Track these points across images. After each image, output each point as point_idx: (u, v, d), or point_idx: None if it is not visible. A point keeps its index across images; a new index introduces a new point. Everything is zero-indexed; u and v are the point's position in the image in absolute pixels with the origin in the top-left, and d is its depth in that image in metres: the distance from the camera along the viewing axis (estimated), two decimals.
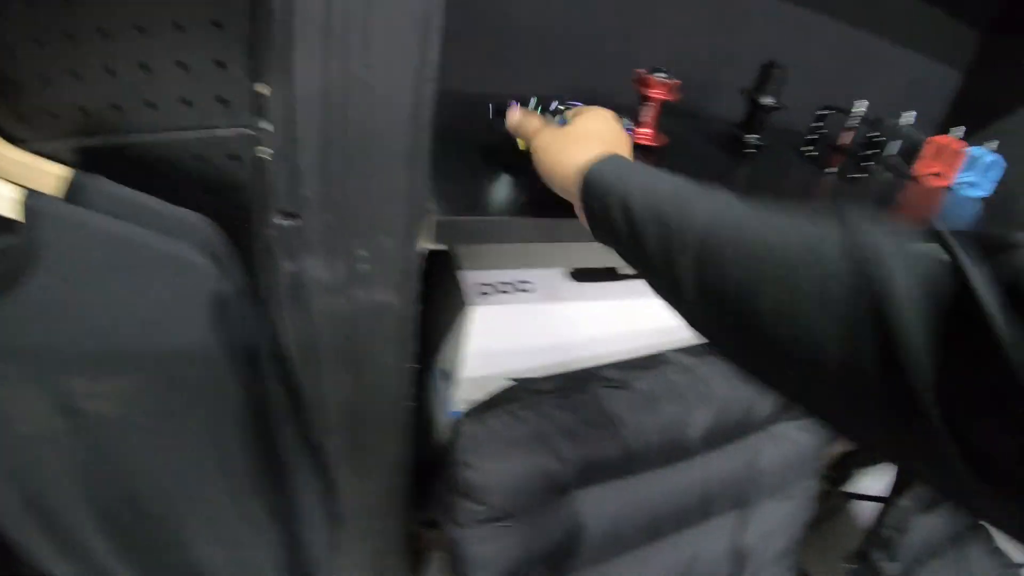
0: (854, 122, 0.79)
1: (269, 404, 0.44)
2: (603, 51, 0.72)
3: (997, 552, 1.32)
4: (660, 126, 0.63)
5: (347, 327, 0.43)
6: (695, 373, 0.53)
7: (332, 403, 0.50)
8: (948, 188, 1.04)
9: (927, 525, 1.01)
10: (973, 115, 1.14)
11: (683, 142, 0.68)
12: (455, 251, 0.57)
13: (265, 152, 0.32)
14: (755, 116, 0.69)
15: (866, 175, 0.81)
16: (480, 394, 0.56)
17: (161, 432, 0.38)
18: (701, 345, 0.57)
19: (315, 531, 0.58)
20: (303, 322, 0.42)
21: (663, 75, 0.59)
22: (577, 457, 0.46)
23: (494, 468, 0.43)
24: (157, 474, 0.40)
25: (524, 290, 0.53)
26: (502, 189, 0.48)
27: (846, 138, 0.79)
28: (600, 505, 0.54)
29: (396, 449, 0.58)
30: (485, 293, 0.53)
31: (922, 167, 1.02)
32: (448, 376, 0.62)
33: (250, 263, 0.36)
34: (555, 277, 0.56)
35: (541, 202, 0.44)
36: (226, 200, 0.38)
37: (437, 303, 0.57)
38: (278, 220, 0.34)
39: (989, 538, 1.33)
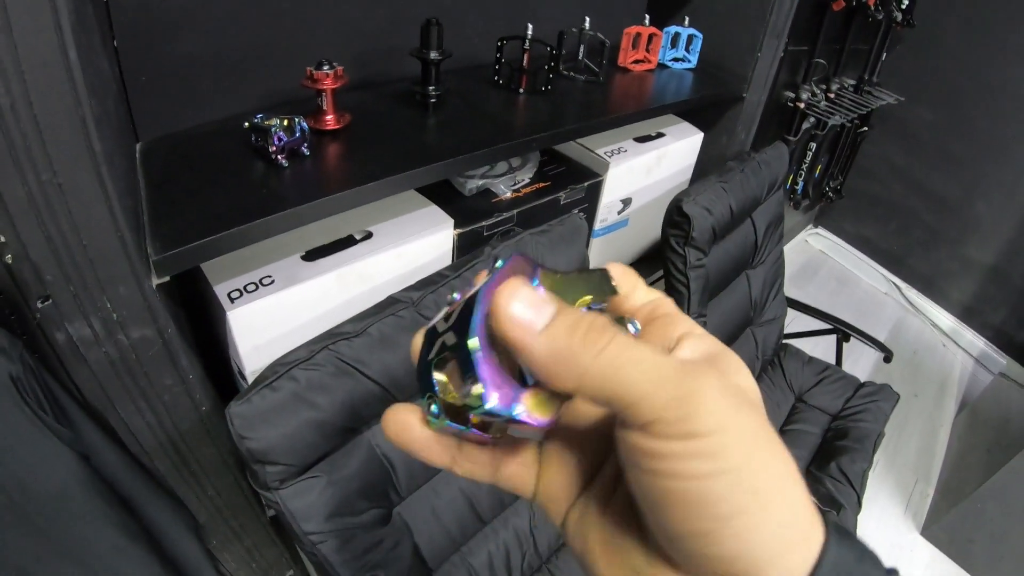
0: (527, 44, 1.08)
1: (91, 447, 0.64)
2: (282, 57, 0.93)
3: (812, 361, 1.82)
4: (343, 107, 0.87)
5: (123, 366, 0.64)
6: (422, 303, 0.80)
7: (140, 432, 0.71)
8: (658, 68, 1.41)
9: None
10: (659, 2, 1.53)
11: (370, 112, 0.93)
12: (204, 269, 0.79)
13: (8, 258, 0.52)
14: (427, 70, 0.95)
15: (549, 86, 1.12)
16: None
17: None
18: (425, 279, 0.85)
19: (183, 544, 0.80)
20: (87, 375, 0.63)
21: (326, 67, 0.82)
22: (333, 403, 0.71)
23: (268, 433, 0.66)
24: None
25: (266, 284, 0.76)
26: (219, 206, 0.70)
27: (526, 60, 1.08)
28: None
29: (214, 451, 0.81)
30: (236, 297, 0.75)
31: (626, 57, 1.37)
32: (243, 374, 0.85)
33: (31, 344, 0.56)
34: (291, 264, 0.80)
35: (257, 204, 0.67)
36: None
37: (217, 316, 0.79)
38: (39, 304, 0.54)
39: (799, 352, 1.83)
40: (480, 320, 0.24)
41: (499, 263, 0.25)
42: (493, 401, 0.23)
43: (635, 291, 0.29)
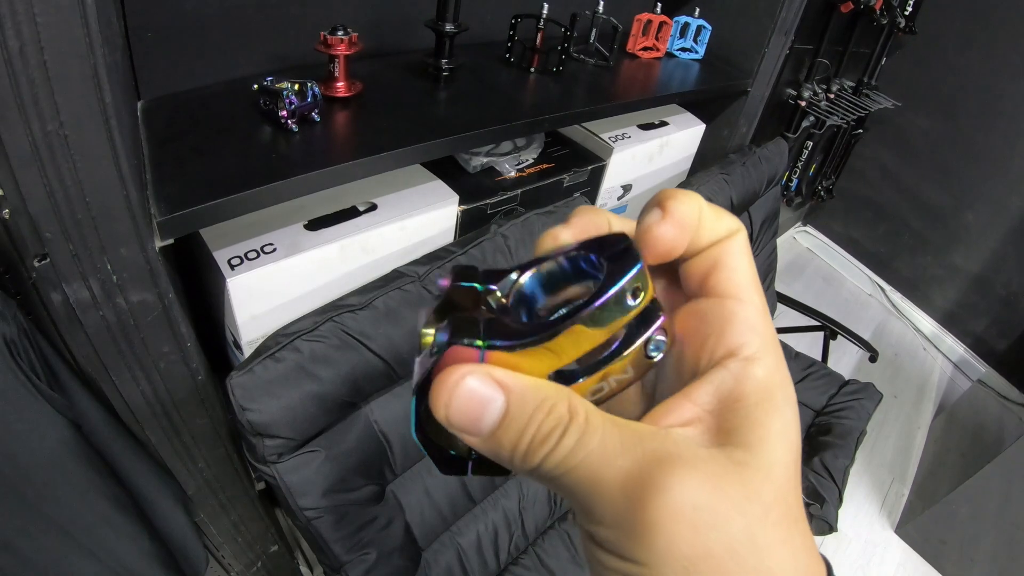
0: (541, 23, 1.05)
1: (82, 414, 0.62)
2: (292, 20, 0.89)
3: (798, 356, 1.82)
4: (354, 75, 0.85)
5: (120, 331, 0.62)
6: (427, 278, 0.78)
7: (134, 401, 0.69)
8: (665, 57, 1.39)
9: None
10: None
11: (381, 82, 0.90)
12: (203, 235, 0.76)
13: (5, 213, 0.49)
14: (442, 43, 0.92)
15: (561, 67, 1.09)
16: None
17: None
18: (431, 254, 0.83)
19: (171, 516, 0.78)
20: (82, 339, 0.60)
21: (341, 33, 0.79)
22: (336, 376, 0.69)
23: (269, 405, 0.64)
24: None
25: (268, 252, 0.74)
26: (226, 169, 0.67)
27: (539, 39, 1.06)
28: (387, 411, 0.80)
29: (207, 421, 0.79)
30: (237, 264, 0.73)
31: (635, 44, 1.35)
32: (238, 345, 0.82)
33: (25, 304, 0.53)
34: (294, 232, 0.77)
35: (266, 169, 0.65)
36: None
37: (214, 284, 0.76)
38: (35, 263, 0.52)
39: (786, 347, 1.83)
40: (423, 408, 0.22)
41: (440, 338, 0.21)
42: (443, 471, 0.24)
43: (699, 231, 0.23)
